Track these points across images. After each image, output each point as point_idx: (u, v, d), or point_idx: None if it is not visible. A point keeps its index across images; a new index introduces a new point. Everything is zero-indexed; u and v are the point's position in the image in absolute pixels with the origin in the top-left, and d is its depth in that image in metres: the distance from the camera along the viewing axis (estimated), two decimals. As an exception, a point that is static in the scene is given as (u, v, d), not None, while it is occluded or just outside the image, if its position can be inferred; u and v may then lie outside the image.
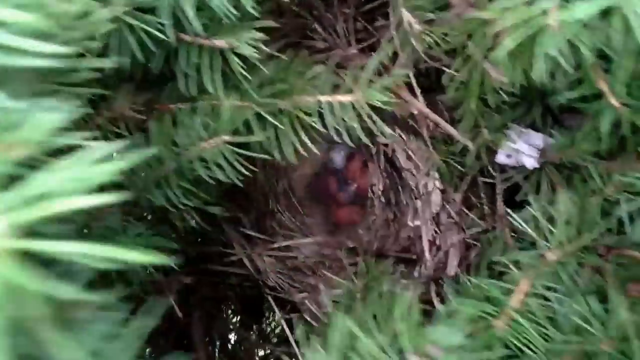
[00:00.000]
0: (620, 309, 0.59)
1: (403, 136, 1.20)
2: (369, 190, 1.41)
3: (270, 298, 1.41)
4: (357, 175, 1.48)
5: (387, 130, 0.78)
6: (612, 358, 0.58)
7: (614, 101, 0.62)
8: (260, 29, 0.74)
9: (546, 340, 0.62)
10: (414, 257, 1.26)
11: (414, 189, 1.23)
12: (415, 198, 1.24)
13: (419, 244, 1.25)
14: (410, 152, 1.21)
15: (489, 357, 0.58)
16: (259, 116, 0.76)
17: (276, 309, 1.44)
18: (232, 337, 1.72)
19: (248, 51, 0.69)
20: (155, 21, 0.67)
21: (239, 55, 0.71)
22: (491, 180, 1.10)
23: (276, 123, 0.75)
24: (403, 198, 1.28)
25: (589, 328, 0.61)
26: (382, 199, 1.35)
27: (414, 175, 1.22)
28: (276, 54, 0.80)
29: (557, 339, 0.62)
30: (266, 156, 0.77)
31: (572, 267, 0.71)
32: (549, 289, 0.66)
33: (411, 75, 1.11)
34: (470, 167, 1.07)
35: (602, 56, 0.60)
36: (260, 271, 1.42)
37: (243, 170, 0.75)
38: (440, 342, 0.46)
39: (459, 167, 1.08)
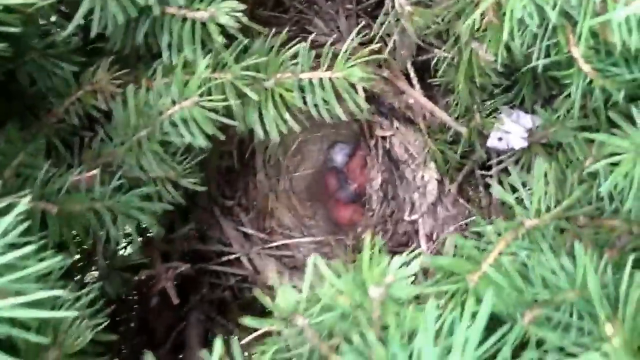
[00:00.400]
0: (585, 261, 0.64)
1: (400, 128, 1.27)
2: (368, 186, 1.47)
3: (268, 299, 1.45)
4: (357, 174, 1.55)
5: (365, 105, 0.84)
6: (575, 306, 0.64)
7: (584, 66, 0.68)
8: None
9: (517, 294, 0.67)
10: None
11: (412, 181, 1.29)
12: (413, 191, 1.30)
13: (416, 239, 1.31)
14: (407, 144, 1.28)
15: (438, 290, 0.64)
16: (236, 87, 0.82)
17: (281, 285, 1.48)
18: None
19: (226, 20, 0.76)
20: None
21: (219, 26, 0.78)
22: (487, 173, 1.16)
23: (251, 95, 0.82)
24: (400, 192, 1.34)
25: (557, 282, 0.66)
26: (380, 194, 1.40)
27: (411, 167, 1.28)
28: (257, 27, 0.87)
29: (527, 291, 0.67)
30: (232, 122, 0.83)
31: (549, 234, 0.76)
32: (524, 249, 0.72)
33: (409, 65, 1.19)
34: (465, 157, 1.14)
35: (576, 23, 0.67)
36: (258, 271, 1.48)
37: (209, 131, 0.80)
38: (396, 272, 0.52)
39: (455, 156, 1.14)
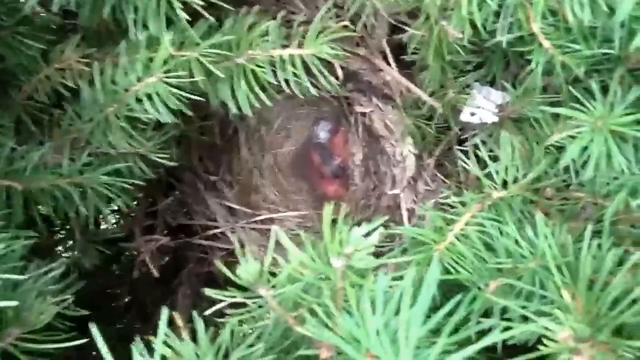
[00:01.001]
0: (545, 230, 0.66)
1: (379, 104, 1.29)
2: (350, 161, 1.49)
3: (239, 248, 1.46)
4: (341, 149, 1.56)
5: (335, 81, 0.86)
6: (537, 275, 0.66)
7: (545, 42, 0.70)
8: None
9: (481, 263, 0.69)
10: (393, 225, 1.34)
11: (392, 156, 1.31)
12: (393, 166, 1.31)
13: (398, 213, 1.33)
14: (386, 120, 1.29)
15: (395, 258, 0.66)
16: (202, 64, 0.83)
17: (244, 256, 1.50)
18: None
19: None
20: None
21: (183, 3, 0.78)
22: (463, 148, 1.18)
23: (216, 72, 0.83)
24: (382, 166, 1.36)
25: (520, 251, 0.68)
26: (362, 169, 1.42)
27: (391, 142, 1.29)
28: (230, 7, 0.88)
29: (491, 262, 0.69)
30: (198, 97, 0.84)
31: (517, 206, 0.78)
32: (490, 220, 0.74)
33: (384, 43, 1.20)
34: (441, 131, 1.16)
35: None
36: (244, 245, 1.50)
37: (173, 107, 0.81)
38: (357, 243, 0.54)
39: (431, 131, 1.16)
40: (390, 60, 1.18)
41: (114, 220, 1.36)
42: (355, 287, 0.57)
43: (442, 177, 1.27)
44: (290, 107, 1.64)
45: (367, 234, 0.55)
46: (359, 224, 1.31)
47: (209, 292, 0.62)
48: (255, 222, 1.51)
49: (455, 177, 1.26)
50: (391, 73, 1.18)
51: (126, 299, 1.58)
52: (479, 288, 0.69)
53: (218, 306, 0.65)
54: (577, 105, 0.72)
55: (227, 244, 1.51)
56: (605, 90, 0.73)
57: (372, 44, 1.21)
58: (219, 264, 0.63)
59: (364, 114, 1.35)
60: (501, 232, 0.71)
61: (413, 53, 1.01)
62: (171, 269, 1.55)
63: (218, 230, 1.49)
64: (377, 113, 1.31)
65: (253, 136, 1.61)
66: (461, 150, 1.22)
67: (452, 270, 0.70)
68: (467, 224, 0.74)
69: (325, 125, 1.60)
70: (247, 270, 0.61)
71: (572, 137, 0.71)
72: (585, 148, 0.68)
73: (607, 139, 0.66)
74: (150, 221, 1.44)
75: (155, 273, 1.16)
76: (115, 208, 1.29)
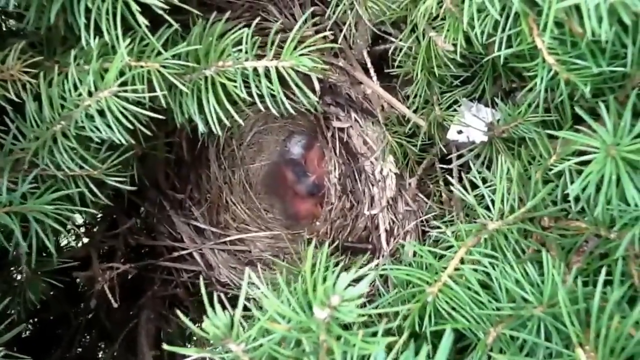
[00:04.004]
0: (554, 272, 0.59)
1: (358, 119, 1.21)
2: (326, 179, 1.41)
3: (222, 296, 1.37)
4: (316, 165, 1.48)
5: (314, 97, 0.76)
6: (543, 322, 0.58)
7: (549, 58, 0.62)
8: None
9: (480, 308, 0.61)
10: (370, 247, 1.26)
11: (371, 175, 1.23)
12: (372, 185, 1.24)
13: (376, 234, 1.25)
14: (365, 137, 1.21)
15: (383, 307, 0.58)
16: (164, 77, 0.73)
17: (229, 308, 1.41)
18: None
19: (150, 0, 0.66)
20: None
21: (144, 7, 0.67)
22: (447, 166, 1.10)
23: (179, 85, 0.73)
24: (360, 185, 1.28)
25: (522, 294, 0.61)
26: (338, 187, 1.34)
27: (369, 160, 1.22)
28: (197, 12, 0.79)
29: (491, 306, 0.61)
30: (158, 115, 0.74)
31: (513, 238, 0.71)
32: (487, 256, 0.66)
33: (365, 55, 1.12)
34: (425, 150, 1.08)
35: (540, 12, 0.61)
36: (212, 267, 1.41)
37: (129, 125, 0.70)
38: (342, 292, 0.46)
39: (414, 150, 1.08)
40: (372, 72, 1.10)
41: (66, 241, 1.25)
42: (340, 341, 0.48)
43: (423, 197, 1.19)
44: (262, 119, 1.56)
45: (355, 281, 0.47)
46: (334, 244, 1.23)
47: (166, 347, 0.52)
48: (225, 242, 1.42)
49: (436, 197, 1.19)
50: (372, 86, 1.10)
51: (85, 319, 1.49)
52: (477, 336, 0.61)
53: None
54: (583, 128, 0.64)
55: (194, 265, 1.42)
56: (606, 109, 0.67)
57: (351, 54, 1.13)
58: (181, 315, 0.54)
59: (341, 129, 1.26)
60: (500, 271, 0.63)
61: (398, 66, 0.93)
62: (133, 289, 1.45)
63: (185, 252, 1.39)
64: (356, 129, 1.23)
65: (223, 151, 1.52)
66: (443, 169, 1.15)
67: (447, 316, 0.61)
68: (462, 261, 0.65)
69: (299, 140, 1.53)
70: (215, 322, 0.52)
71: (580, 163, 0.63)
72: (589, 174, 0.61)
73: (620, 168, 0.58)
74: (110, 242, 1.34)
75: (115, 304, 1.05)
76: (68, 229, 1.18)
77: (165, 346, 0.54)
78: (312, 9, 0.94)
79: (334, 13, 0.91)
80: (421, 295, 0.62)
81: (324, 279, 0.48)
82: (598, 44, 0.62)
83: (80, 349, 1.51)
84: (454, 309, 0.62)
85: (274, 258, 1.37)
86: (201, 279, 1.31)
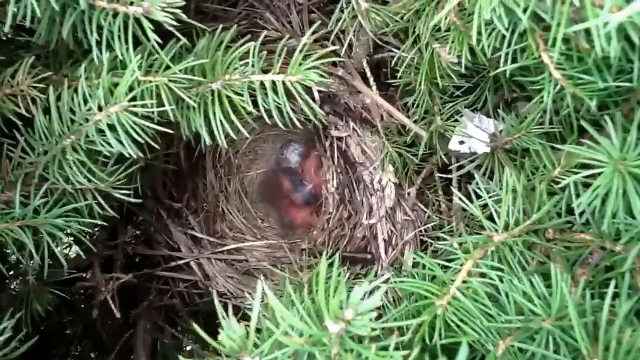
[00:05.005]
0: (563, 285, 0.59)
1: (357, 128, 1.21)
2: (323, 188, 1.41)
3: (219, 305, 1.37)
4: (312, 174, 1.48)
5: (320, 111, 0.77)
6: (551, 335, 0.59)
7: (555, 73, 0.63)
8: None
9: (489, 321, 0.62)
10: (369, 256, 1.27)
11: (369, 185, 1.23)
12: (370, 194, 1.24)
13: (374, 243, 1.26)
14: (364, 146, 1.22)
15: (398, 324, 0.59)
16: (172, 91, 0.73)
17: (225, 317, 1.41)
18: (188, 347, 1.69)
19: (162, 17, 0.66)
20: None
21: (153, 22, 0.67)
22: (448, 176, 1.11)
23: (188, 100, 0.73)
24: (358, 195, 1.29)
25: (531, 307, 0.61)
26: (336, 196, 1.35)
27: (368, 170, 1.22)
28: (203, 27, 0.79)
29: (500, 319, 0.62)
30: (168, 130, 0.74)
31: (518, 250, 0.71)
32: (494, 269, 0.67)
33: (365, 64, 1.12)
34: (425, 160, 1.09)
35: (546, 28, 0.62)
36: (209, 276, 1.41)
37: (140, 141, 0.71)
38: (356, 306, 0.46)
39: (414, 159, 1.09)
40: (371, 81, 1.10)
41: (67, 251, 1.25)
42: (354, 354, 0.49)
43: (422, 207, 1.20)
44: (259, 127, 1.56)
45: (367, 293, 0.47)
46: (332, 254, 1.23)
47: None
48: (222, 252, 1.42)
49: (435, 206, 1.20)
50: (371, 96, 1.11)
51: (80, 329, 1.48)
52: (487, 350, 0.62)
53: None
54: (587, 141, 0.65)
55: (191, 274, 1.42)
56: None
57: (350, 63, 1.14)
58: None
59: (340, 139, 1.27)
60: (509, 286, 0.64)
61: (400, 77, 0.94)
62: (129, 298, 1.45)
63: (182, 262, 1.39)
64: (355, 138, 1.23)
65: (219, 159, 1.52)
66: (442, 178, 1.16)
67: (456, 329, 0.62)
68: (470, 274, 0.66)
69: (295, 148, 1.53)
70: (230, 335, 0.52)
71: (591, 176, 0.64)
72: (596, 188, 0.61)
73: (627, 182, 0.59)
74: (108, 251, 1.33)
75: (117, 314, 1.05)
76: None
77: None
78: (315, 24, 0.94)
79: (337, 22, 0.92)
80: (430, 308, 0.63)
81: (335, 291, 0.49)
82: (605, 60, 0.63)
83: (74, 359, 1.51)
84: (462, 321, 0.63)
85: (273, 268, 1.38)
86: (215, 292, 1.30)
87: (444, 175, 1.13)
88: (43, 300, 0.94)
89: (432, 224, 1.17)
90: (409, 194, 1.17)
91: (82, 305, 1.43)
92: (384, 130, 1.11)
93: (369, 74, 1.10)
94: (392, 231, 1.23)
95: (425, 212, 1.20)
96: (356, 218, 1.32)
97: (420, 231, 1.18)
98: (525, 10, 0.55)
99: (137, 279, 1.35)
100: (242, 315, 1.41)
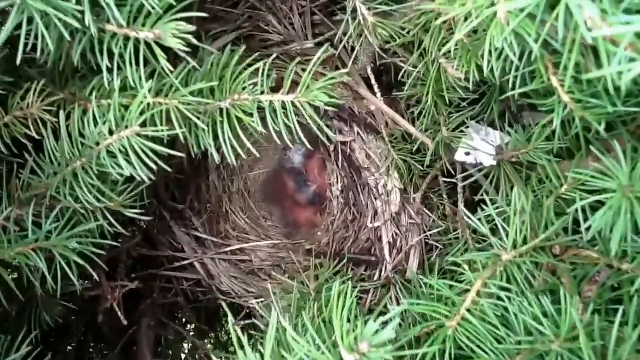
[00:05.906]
0: (572, 309, 0.61)
1: (361, 134, 1.22)
2: (328, 191, 1.42)
3: (223, 304, 1.39)
4: (316, 174, 1.49)
5: (331, 133, 0.77)
6: (560, 357, 0.60)
7: (564, 96, 0.64)
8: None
9: (499, 342, 0.63)
10: (374, 259, 1.28)
11: (374, 188, 1.25)
12: (375, 198, 1.25)
13: (379, 246, 1.27)
14: (369, 151, 1.23)
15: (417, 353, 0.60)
16: (182, 113, 0.73)
17: (230, 316, 1.43)
18: (187, 346, 1.71)
19: (174, 44, 0.67)
20: (73, 9, 0.64)
21: (164, 48, 0.68)
22: (452, 180, 1.12)
23: (199, 123, 0.74)
24: (363, 198, 1.30)
25: (540, 328, 0.63)
26: (341, 200, 1.36)
27: (373, 174, 1.23)
28: (211, 49, 0.79)
29: (509, 340, 0.63)
30: (178, 154, 0.74)
31: (526, 268, 0.72)
32: (503, 289, 0.68)
33: (369, 71, 1.13)
34: (430, 166, 1.09)
35: (555, 52, 0.62)
36: (212, 276, 1.42)
37: (152, 165, 0.71)
38: (371, 338, 0.48)
39: (419, 166, 1.10)
40: (376, 88, 1.11)
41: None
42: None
43: (427, 211, 1.21)
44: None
45: (382, 325, 0.48)
46: (336, 256, 1.24)
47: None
48: (225, 252, 1.43)
49: (440, 210, 1.21)
50: (376, 103, 1.11)
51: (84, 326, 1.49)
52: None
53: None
54: (597, 165, 0.66)
55: (195, 274, 1.43)
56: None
57: (354, 70, 1.14)
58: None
59: (344, 143, 1.28)
60: (519, 308, 0.65)
61: (407, 90, 0.94)
62: (133, 296, 1.46)
63: (186, 262, 1.40)
64: (359, 143, 1.24)
65: (222, 160, 1.52)
66: (447, 183, 1.17)
67: (467, 350, 0.64)
68: (479, 294, 0.67)
69: (299, 149, 1.53)
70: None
71: (600, 202, 0.65)
72: (605, 212, 0.63)
73: (635, 208, 0.60)
74: (112, 254, 1.34)
75: (124, 321, 1.07)
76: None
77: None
78: (324, 37, 0.94)
79: (343, 37, 0.92)
80: (441, 330, 0.64)
81: (348, 320, 0.50)
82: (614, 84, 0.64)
83: (77, 356, 1.52)
84: (472, 342, 0.64)
85: (276, 268, 1.39)
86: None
87: (448, 180, 1.14)
88: (52, 312, 0.94)
89: (438, 229, 1.18)
90: (414, 199, 1.18)
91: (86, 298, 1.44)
92: (389, 137, 1.12)
93: (373, 81, 1.11)
94: (397, 234, 1.24)
95: (430, 217, 1.21)
96: (361, 221, 1.33)
97: (426, 235, 1.20)
98: (536, 40, 0.56)
99: (141, 279, 1.36)
100: (246, 315, 1.44)
